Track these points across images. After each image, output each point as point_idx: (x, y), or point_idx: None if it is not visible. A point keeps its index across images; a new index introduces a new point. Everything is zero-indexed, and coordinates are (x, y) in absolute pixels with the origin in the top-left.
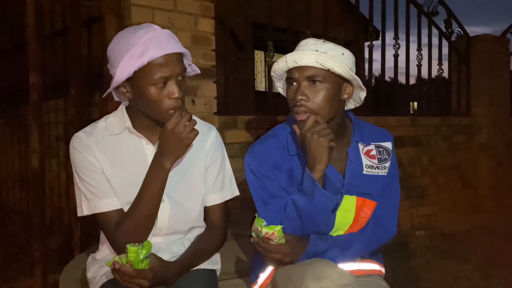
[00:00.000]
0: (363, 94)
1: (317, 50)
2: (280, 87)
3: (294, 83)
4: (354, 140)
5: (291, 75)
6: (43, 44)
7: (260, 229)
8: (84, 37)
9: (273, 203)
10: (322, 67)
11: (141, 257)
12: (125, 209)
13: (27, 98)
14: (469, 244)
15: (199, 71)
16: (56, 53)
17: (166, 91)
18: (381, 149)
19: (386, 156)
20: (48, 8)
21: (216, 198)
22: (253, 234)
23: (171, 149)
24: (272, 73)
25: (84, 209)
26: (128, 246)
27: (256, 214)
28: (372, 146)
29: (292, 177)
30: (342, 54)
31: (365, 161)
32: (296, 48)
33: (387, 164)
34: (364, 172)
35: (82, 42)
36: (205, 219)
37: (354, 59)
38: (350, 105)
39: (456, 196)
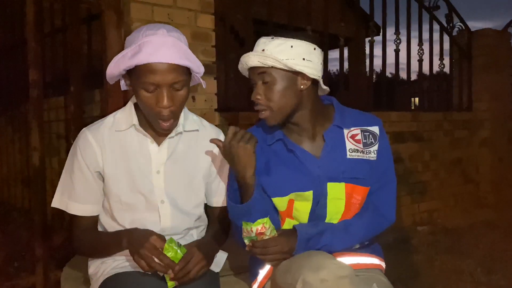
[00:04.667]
0: (320, 82)
1: (263, 50)
2: None
3: (254, 83)
4: (334, 124)
5: (249, 75)
6: (43, 42)
7: (250, 229)
8: (84, 34)
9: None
10: (266, 66)
11: (179, 251)
12: (124, 202)
13: (27, 95)
14: (471, 239)
15: (204, 86)
16: (56, 51)
17: (155, 97)
18: (367, 133)
19: (372, 140)
20: (48, 6)
21: (225, 200)
22: (246, 241)
23: None
24: (243, 74)
25: (55, 203)
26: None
27: (243, 222)
28: (357, 131)
29: (268, 168)
30: (291, 46)
31: (349, 145)
32: None
33: (373, 148)
34: (348, 157)
35: (81, 39)
36: (209, 217)
37: (310, 48)
38: (325, 92)
39: (458, 191)
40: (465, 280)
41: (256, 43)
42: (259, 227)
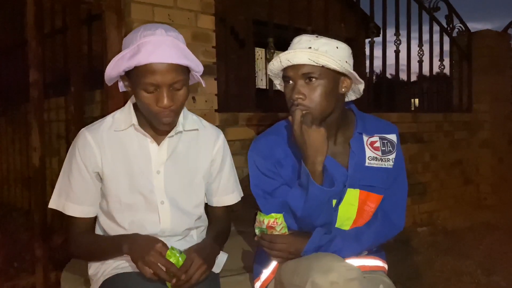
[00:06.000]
0: (361, 86)
1: (310, 47)
2: (278, 84)
3: (291, 82)
4: (357, 131)
5: (286, 74)
6: (43, 42)
7: (262, 220)
8: (84, 35)
9: (276, 196)
10: (316, 64)
11: (180, 259)
12: (124, 202)
13: (27, 96)
14: (471, 240)
15: (204, 85)
16: (56, 51)
17: (155, 98)
18: (385, 141)
19: (391, 148)
20: (48, 6)
21: (227, 200)
22: (256, 231)
23: None
24: (268, 72)
25: (52, 203)
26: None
27: (256, 211)
28: (376, 138)
29: (295, 178)
30: (337, 48)
31: (368, 152)
32: (290, 46)
33: (391, 156)
34: (367, 164)
35: (82, 40)
36: (210, 216)
37: (350, 52)
38: (351, 97)
39: (458, 192)
40: (465, 281)
41: (296, 40)
42: (271, 221)
